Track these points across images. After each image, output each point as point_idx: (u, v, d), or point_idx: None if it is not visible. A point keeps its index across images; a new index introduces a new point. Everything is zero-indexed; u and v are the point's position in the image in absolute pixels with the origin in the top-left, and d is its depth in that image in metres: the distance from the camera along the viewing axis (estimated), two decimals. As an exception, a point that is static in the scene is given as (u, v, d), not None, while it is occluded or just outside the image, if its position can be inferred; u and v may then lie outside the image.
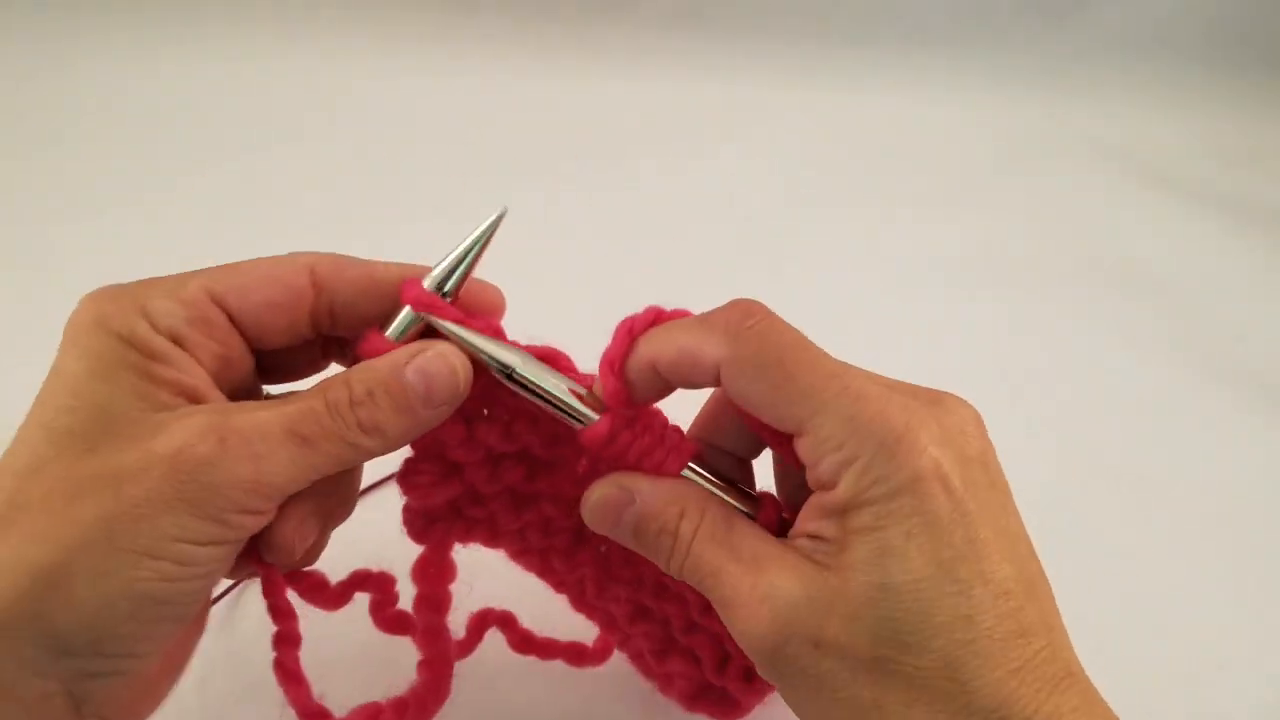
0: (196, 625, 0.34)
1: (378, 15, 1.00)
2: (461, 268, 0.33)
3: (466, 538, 0.37)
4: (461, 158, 0.88)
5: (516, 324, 0.34)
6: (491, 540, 0.38)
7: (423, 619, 0.36)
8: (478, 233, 0.34)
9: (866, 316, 0.72)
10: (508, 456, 0.35)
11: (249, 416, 0.30)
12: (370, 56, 0.99)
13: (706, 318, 0.32)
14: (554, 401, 0.32)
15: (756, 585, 0.30)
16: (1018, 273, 0.80)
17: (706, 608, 0.35)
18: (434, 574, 0.36)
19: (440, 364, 0.32)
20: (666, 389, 0.33)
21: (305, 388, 0.32)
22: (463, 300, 0.34)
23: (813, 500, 0.30)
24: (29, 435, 0.29)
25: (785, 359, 0.30)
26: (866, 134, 0.98)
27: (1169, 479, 0.61)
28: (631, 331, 0.33)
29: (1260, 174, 0.97)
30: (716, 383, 0.32)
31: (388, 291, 0.34)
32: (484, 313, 0.35)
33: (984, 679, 0.28)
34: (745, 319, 0.31)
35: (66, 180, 0.81)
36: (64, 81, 0.92)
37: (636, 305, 0.34)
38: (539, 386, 0.32)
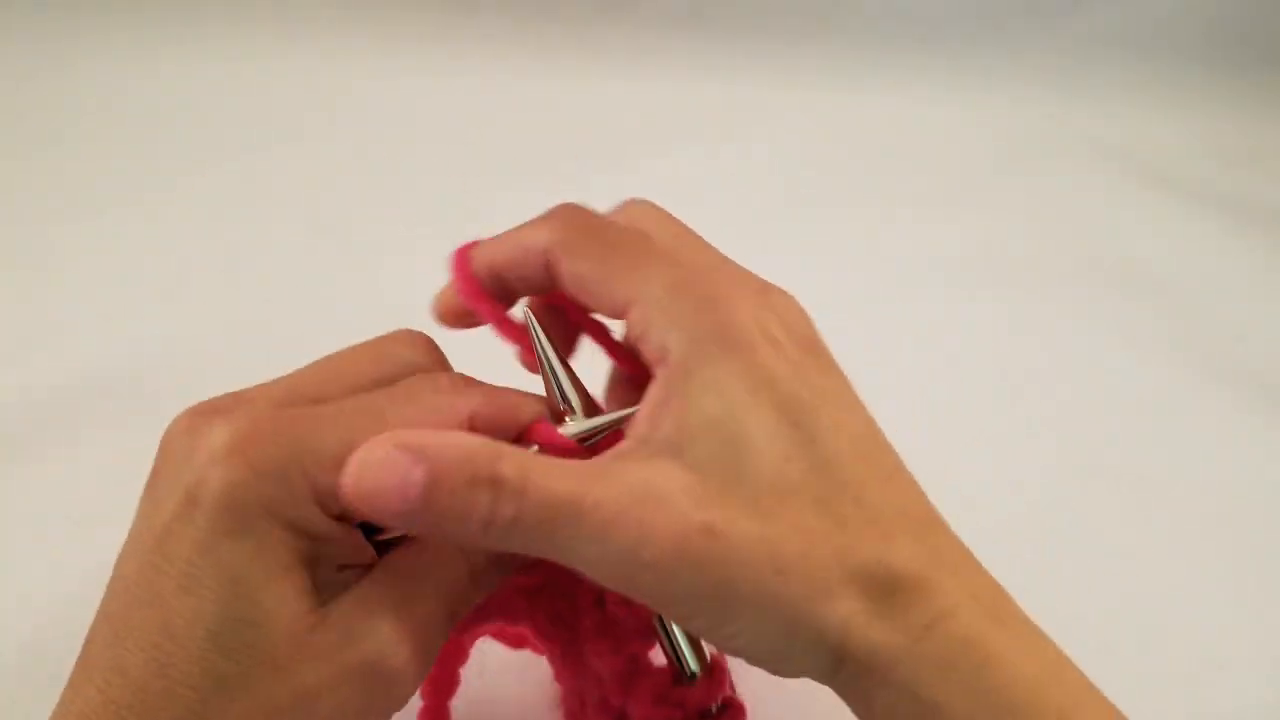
0: None
1: (378, 15, 1.00)
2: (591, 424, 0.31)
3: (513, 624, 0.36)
4: (462, 158, 0.88)
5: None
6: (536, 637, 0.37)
7: (427, 701, 0.36)
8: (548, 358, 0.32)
9: (866, 316, 0.72)
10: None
11: (419, 609, 0.28)
12: (370, 56, 0.99)
13: (536, 218, 0.32)
14: None
15: (626, 491, 0.26)
16: (1018, 273, 0.80)
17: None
18: (439, 686, 0.36)
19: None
20: (508, 294, 0.33)
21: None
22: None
23: (648, 392, 0.29)
24: (196, 646, 0.25)
25: (610, 238, 0.31)
26: (866, 134, 0.98)
27: (1169, 479, 0.61)
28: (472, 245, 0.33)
29: (1260, 174, 0.97)
30: (541, 280, 0.31)
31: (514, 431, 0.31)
32: None
33: (858, 519, 0.27)
34: (571, 208, 0.32)
35: (66, 180, 0.81)
36: (64, 81, 0.92)
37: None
38: None
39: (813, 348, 0.30)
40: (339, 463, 0.25)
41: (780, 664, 0.28)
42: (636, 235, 0.31)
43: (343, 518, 0.27)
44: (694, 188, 0.86)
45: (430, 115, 0.94)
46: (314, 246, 0.75)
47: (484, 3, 1.01)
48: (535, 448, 0.31)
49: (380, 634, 0.27)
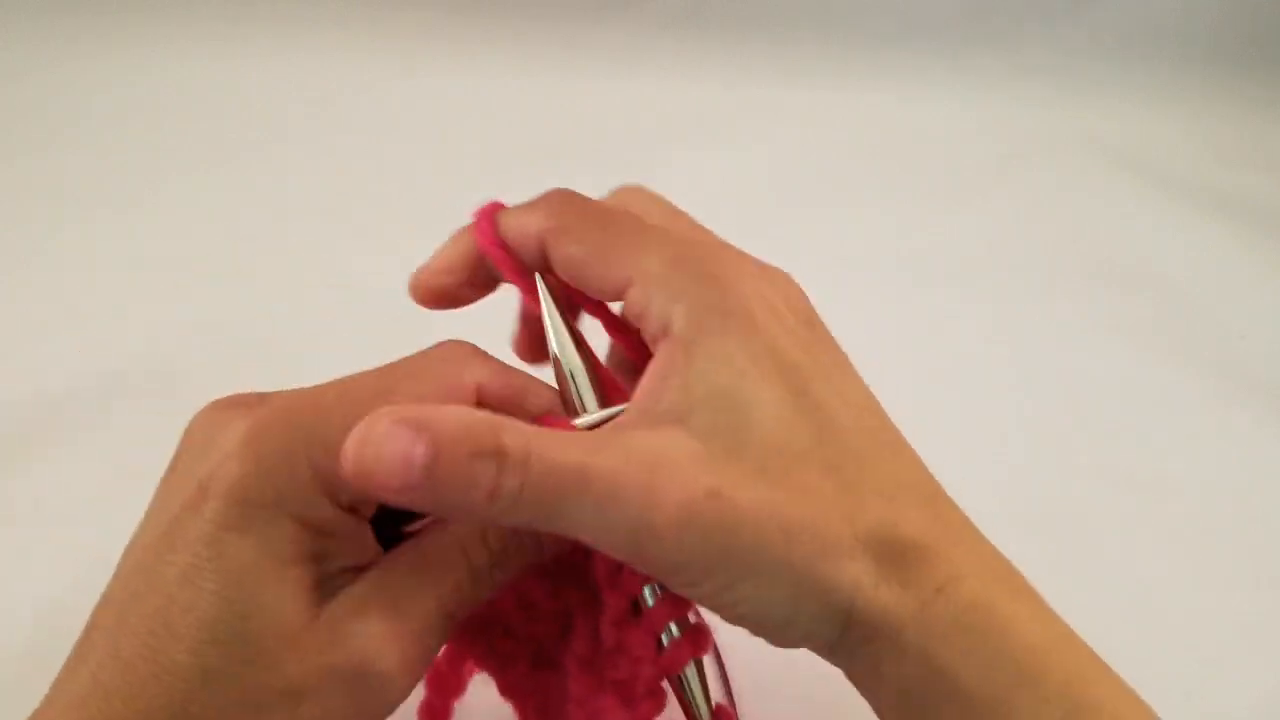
0: None
1: (378, 15, 1.00)
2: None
3: (481, 665, 0.35)
4: (462, 157, 0.88)
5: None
6: (501, 688, 0.36)
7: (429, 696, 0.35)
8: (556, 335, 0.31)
9: (865, 316, 0.72)
10: (544, 614, 0.33)
11: (413, 609, 0.27)
12: (371, 56, 0.99)
13: (526, 202, 0.32)
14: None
15: (632, 459, 0.26)
16: (1017, 272, 0.80)
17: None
18: (444, 679, 0.35)
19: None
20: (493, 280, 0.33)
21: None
22: None
23: (650, 366, 0.29)
24: (188, 634, 0.25)
25: (606, 218, 0.30)
26: (866, 134, 0.98)
27: (1169, 479, 0.61)
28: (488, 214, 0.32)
29: (1260, 174, 0.97)
30: (538, 261, 0.31)
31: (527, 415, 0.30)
32: None
33: (865, 486, 0.27)
34: (562, 193, 0.32)
35: (66, 180, 0.81)
36: (64, 81, 0.92)
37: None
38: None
39: (812, 322, 0.31)
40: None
41: (784, 631, 0.28)
42: (630, 216, 0.31)
43: (354, 509, 0.27)
44: (693, 187, 0.85)
45: (431, 115, 0.94)
46: (315, 245, 0.75)
47: (484, 3, 1.01)
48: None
49: (369, 635, 0.26)
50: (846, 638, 0.27)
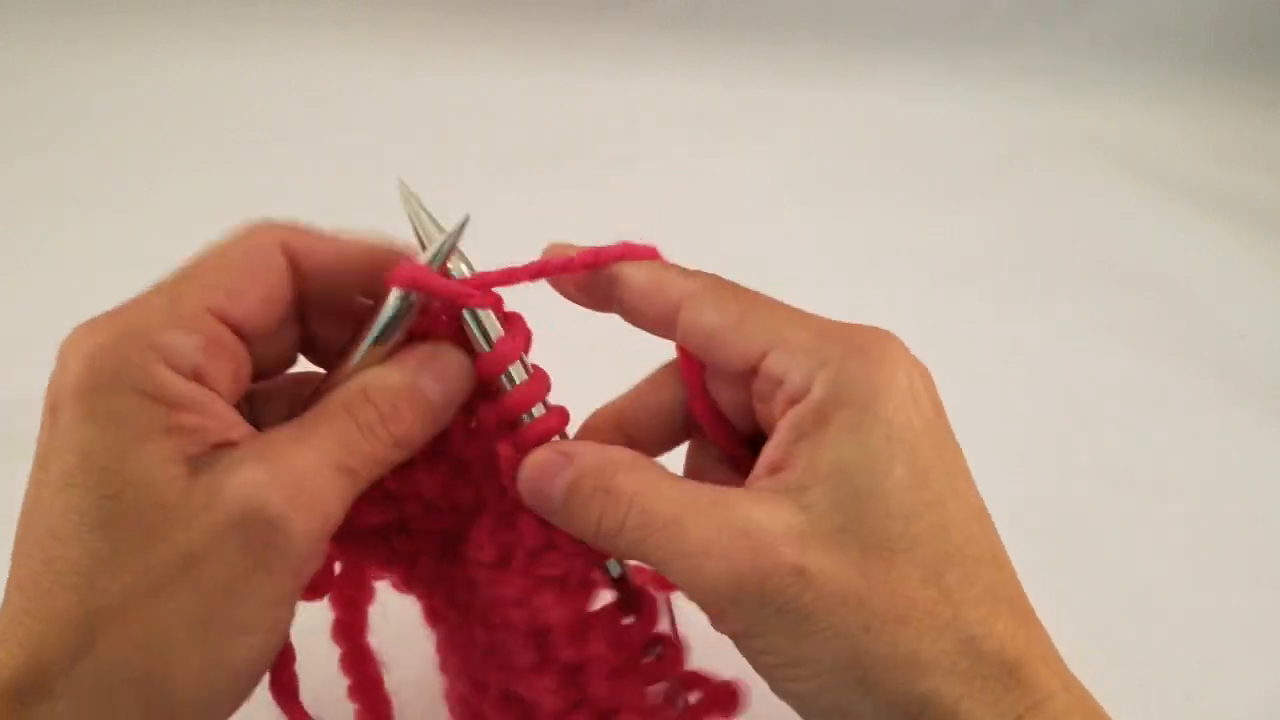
0: None
1: (378, 15, 1.00)
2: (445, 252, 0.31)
3: (384, 569, 0.35)
4: (462, 157, 0.88)
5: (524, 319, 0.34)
6: (404, 583, 0.36)
7: (342, 645, 0.35)
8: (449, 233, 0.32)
9: (865, 315, 0.72)
10: (441, 507, 0.34)
11: (296, 460, 0.27)
12: (370, 56, 0.98)
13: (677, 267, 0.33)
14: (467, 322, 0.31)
15: (726, 523, 0.27)
16: (1018, 273, 0.80)
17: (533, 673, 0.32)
18: (348, 596, 0.35)
19: (455, 368, 0.31)
20: (608, 305, 0.34)
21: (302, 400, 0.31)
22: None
23: (778, 429, 0.29)
24: (72, 532, 0.25)
25: (747, 292, 0.32)
26: (866, 134, 0.97)
27: (1169, 479, 0.61)
28: (607, 254, 0.33)
29: (1260, 174, 0.97)
30: (664, 322, 0.32)
31: (358, 270, 0.32)
32: None
33: (965, 595, 0.27)
34: (712, 275, 0.32)
35: (66, 180, 0.81)
36: (64, 81, 0.92)
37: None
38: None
39: (942, 415, 0.30)
40: (173, 320, 0.27)
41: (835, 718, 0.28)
42: (767, 296, 0.32)
43: (199, 378, 0.27)
44: (693, 187, 0.86)
45: (430, 115, 0.94)
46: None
47: (484, 3, 1.01)
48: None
49: (247, 483, 0.26)
50: None
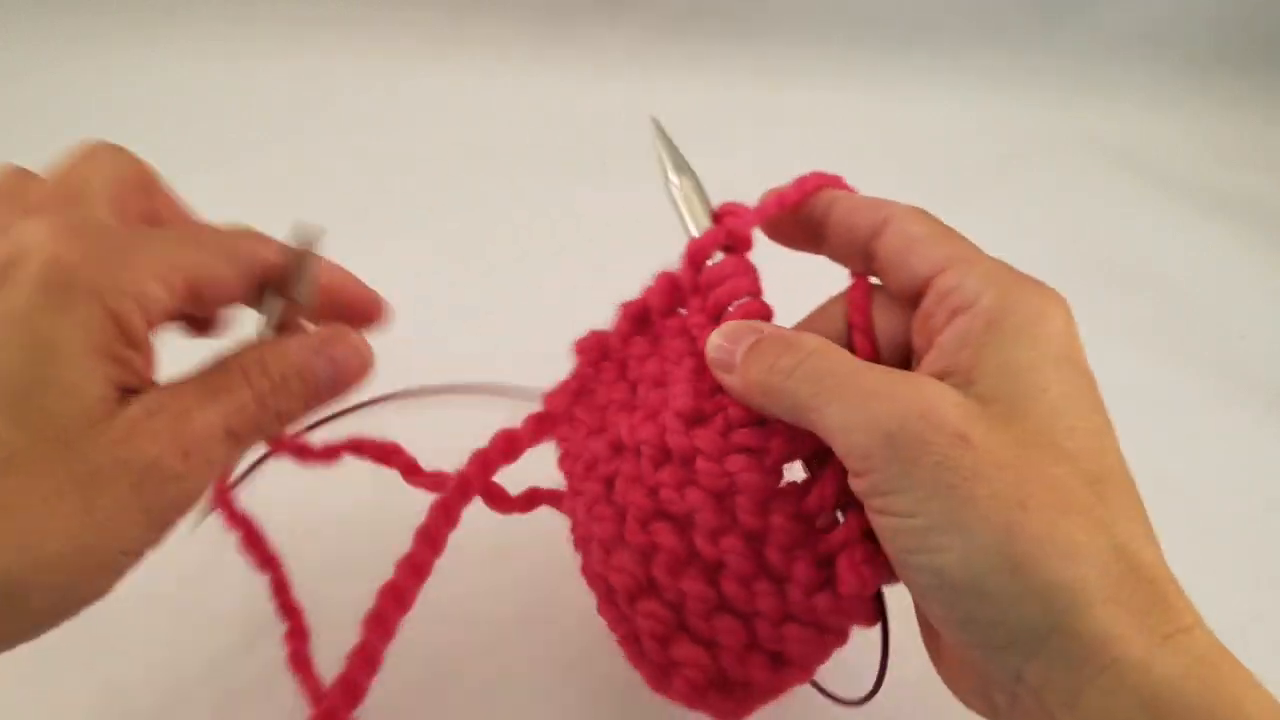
0: None
1: (378, 16, 1.00)
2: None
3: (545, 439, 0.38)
4: (462, 157, 0.88)
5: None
6: (565, 459, 0.38)
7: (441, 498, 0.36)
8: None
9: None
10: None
11: (198, 419, 0.29)
12: (370, 56, 0.99)
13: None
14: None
15: (900, 379, 0.28)
16: (1018, 273, 0.80)
17: (746, 583, 0.32)
18: (487, 466, 0.36)
19: (353, 353, 0.33)
20: (807, 241, 0.37)
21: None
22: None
23: (939, 344, 0.30)
24: None
25: (942, 223, 0.34)
26: (866, 134, 0.98)
27: (1169, 479, 0.61)
28: (813, 184, 0.37)
29: (1260, 174, 0.97)
30: (868, 235, 0.34)
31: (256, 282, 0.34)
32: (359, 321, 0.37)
33: (1120, 509, 0.27)
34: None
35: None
36: (64, 81, 0.92)
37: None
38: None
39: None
40: (162, 279, 0.29)
41: (974, 606, 0.26)
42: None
43: (150, 328, 0.29)
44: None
45: (431, 116, 0.94)
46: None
47: (484, 3, 1.01)
48: None
49: (158, 436, 0.28)
50: (1047, 646, 0.25)
